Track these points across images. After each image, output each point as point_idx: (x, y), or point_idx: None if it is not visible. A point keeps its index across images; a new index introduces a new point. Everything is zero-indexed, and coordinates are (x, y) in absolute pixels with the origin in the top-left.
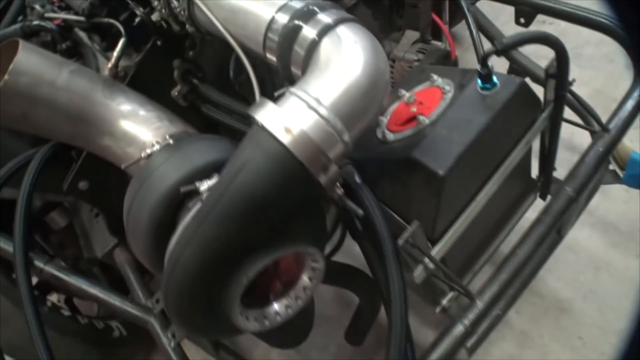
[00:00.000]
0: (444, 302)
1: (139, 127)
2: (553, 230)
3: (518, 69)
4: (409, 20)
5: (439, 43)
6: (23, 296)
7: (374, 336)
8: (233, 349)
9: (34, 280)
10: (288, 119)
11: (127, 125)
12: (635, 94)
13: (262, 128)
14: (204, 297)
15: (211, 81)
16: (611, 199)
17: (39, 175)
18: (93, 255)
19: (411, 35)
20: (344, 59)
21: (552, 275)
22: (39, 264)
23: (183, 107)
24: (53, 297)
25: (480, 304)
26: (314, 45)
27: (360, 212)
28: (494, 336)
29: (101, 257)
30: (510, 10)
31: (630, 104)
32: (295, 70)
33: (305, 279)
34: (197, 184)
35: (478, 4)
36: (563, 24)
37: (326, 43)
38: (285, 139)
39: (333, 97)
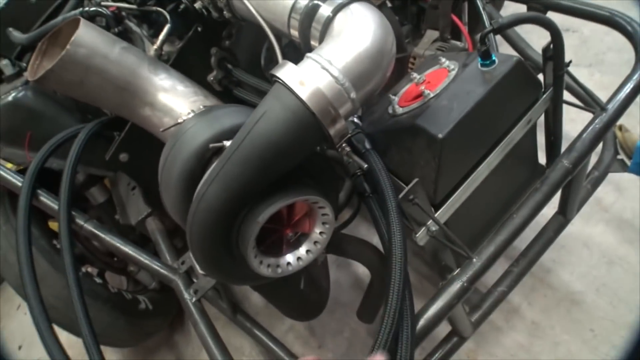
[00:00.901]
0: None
1: (177, 99)
2: (548, 200)
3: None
4: (429, 21)
5: (458, 42)
6: (64, 250)
7: None
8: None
9: None
10: (303, 75)
11: (167, 98)
12: (635, 77)
13: (281, 83)
14: (224, 235)
15: (244, 69)
16: (627, 197)
17: (84, 147)
18: (128, 223)
19: (431, 34)
20: (355, 30)
21: (565, 269)
22: (79, 221)
23: (218, 92)
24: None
25: (477, 262)
26: (329, 21)
27: (364, 165)
28: (505, 326)
29: (135, 224)
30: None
31: (629, 86)
32: (314, 44)
33: (316, 232)
34: (225, 142)
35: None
36: (586, 32)
37: (340, 17)
38: (301, 91)
39: (343, 61)
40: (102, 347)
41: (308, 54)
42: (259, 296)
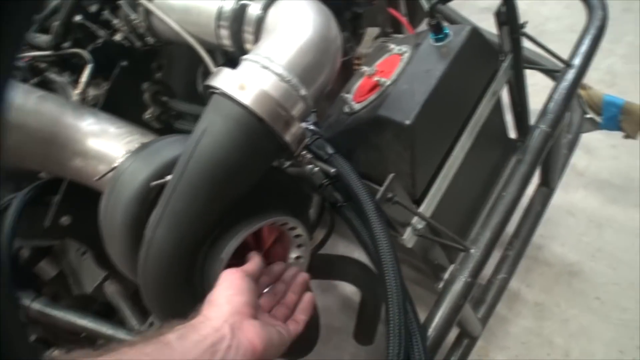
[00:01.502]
0: (446, 275)
1: (110, 143)
2: (535, 169)
3: None
4: (367, 18)
5: (400, 35)
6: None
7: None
8: None
9: None
10: (242, 79)
11: (98, 144)
12: (592, 30)
13: (218, 92)
14: (183, 279)
15: (183, 98)
16: (599, 158)
17: (19, 218)
18: (84, 292)
19: (372, 31)
20: (291, 20)
21: (556, 241)
22: (25, 301)
23: (158, 130)
24: None
25: (476, 252)
26: (261, 19)
27: (331, 170)
28: (509, 315)
29: (91, 292)
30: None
31: (588, 37)
32: (250, 47)
33: (292, 257)
34: (168, 177)
35: None
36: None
37: (272, 12)
38: (242, 96)
39: (285, 55)
40: None
41: (243, 57)
42: None
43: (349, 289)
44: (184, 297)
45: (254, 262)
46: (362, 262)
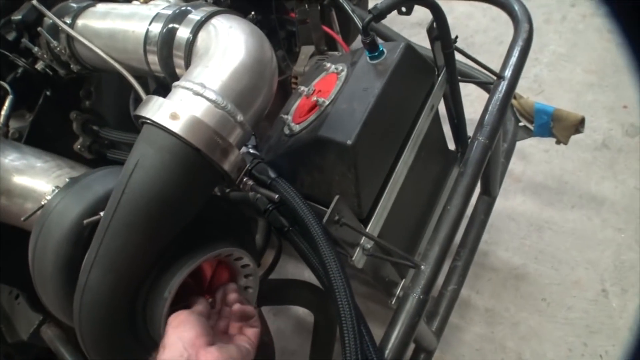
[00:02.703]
0: (398, 291)
1: (36, 179)
2: (477, 181)
3: None
4: (301, 37)
5: (335, 52)
6: None
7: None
8: None
9: None
10: (174, 107)
11: (23, 180)
12: (519, 41)
13: (149, 122)
14: (124, 323)
15: (115, 127)
16: (533, 163)
17: None
18: (18, 339)
19: (307, 50)
20: (223, 44)
21: (499, 247)
22: None
23: (90, 161)
24: None
25: (426, 268)
26: (191, 43)
27: (275, 196)
28: (462, 323)
29: (27, 339)
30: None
31: (517, 49)
32: (181, 73)
33: (240, 286)
34: (102, 213)
35: None
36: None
37: (202, 36)
38: (174, 126)
39: (219, 80)
40: None
41: (175, 83)
42: None
43: (302, 311)
44: (126, 342)
45: (201, 304)
46: (312, 285)
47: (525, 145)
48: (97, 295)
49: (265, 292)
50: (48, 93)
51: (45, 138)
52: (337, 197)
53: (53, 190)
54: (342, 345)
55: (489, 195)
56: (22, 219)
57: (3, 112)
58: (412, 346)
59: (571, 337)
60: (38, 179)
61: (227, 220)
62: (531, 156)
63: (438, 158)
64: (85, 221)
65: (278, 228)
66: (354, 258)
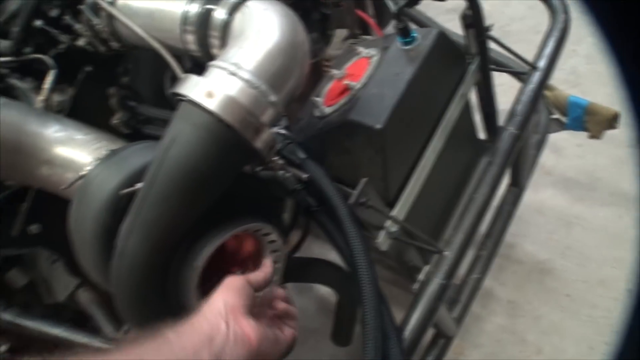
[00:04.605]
0: (421, 276)
1: (77, 150)
2: (505, 171)
3: None
4: (335, 20)
5: (368, 37)
6: None
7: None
8: None
9: None
10: (210, 86)
11: (64, 151)
12: (555, 31)
13: (186, 100)
14: (156, 288)
15: (150, 103)
16: (566, 157)
17: None
18: (56, 301)
19: (340, 33)
20: (258, 25)
21: (526, 240)
22: None
23: (127, 136)
24: None
25: (449, 254)
26: (227, 24)
27: (304, 176)
28: (483, 313)
29: (64, 301)
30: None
31: (552, 40)
32: (217, 53)
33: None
34: (138, 185)
35: None
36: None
37: (238, 17)
38: (210, 104)
39: (253, 61)
40: None
41: (211, 63)
42: None
43: (325, 290)
44: (158, 306)
45: (263, 272)
46: (337, 265)
47: (558, 139)
48: (135, 260)
49: (290, 269)
50: (88, 69)
51: (84, 112)
52: (364, 179)
53: (93, 162)
54: (363, 323)
55: (518, 186)
56: (63, 187)
57: (46, 86)
58: (432, 331)
59: (593, 336)
60: (78, 150)
61: (256, 197)
62: (563, 150)
63: (467, 147)
64: (121, 192)
65: (305, 207)
66: (378, 240)
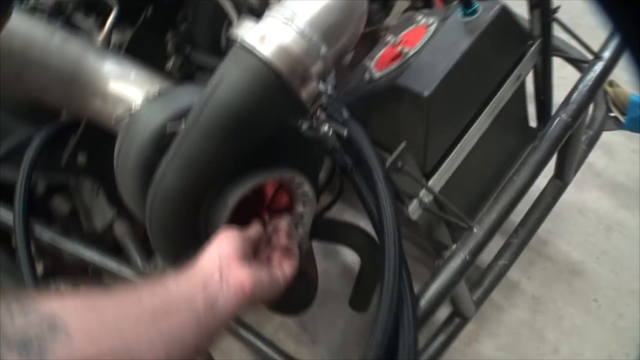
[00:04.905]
0: (447, 253)
1: (130, 87)
2: (550, 157)
3: None
4: None
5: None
6: (22, 263)
7: None
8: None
9: None
10: (264, 32)
11: (118, 87)
12: None
13: (238, 43)
14: (189, 222)
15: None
16: (618, 161)
17: (40, 152)
18: (93, 230)
19: (401, 4)
20: None
21: (562, 238)
22: (37, 230)
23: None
24: None
25: (479, 232)
26: None
27: (344, 132)
28: (505, 304)
29: (101, 230)
30: None
31: None
32: (274, 3)
33: (296, 214)
34: (184, 122)
35: None
36: None
37: None
38: (261, 48)
39: (309, 13)
40: None
41: (267, 11)
42: None
43: (351, 258)
44: (188, 239)
45: (253, 229)
46: (366, 231)
47: (613, 141)
48: (170, 191)
49: (319, 227)
50: (149, 12)
51: (141, 54)
52: (404, 144)
53: (143, 99)
54: (381, 282)
55: (562, 180)
56: (113, 121)
57: (107, 25)
58: (449, 310)
59: (614, 345)
60: (131, 87)
61: (296, 150)
62: (617, 154)
63: (515, 133)
64: (168, 123)
65: (342, 167)
66: (410, 208)
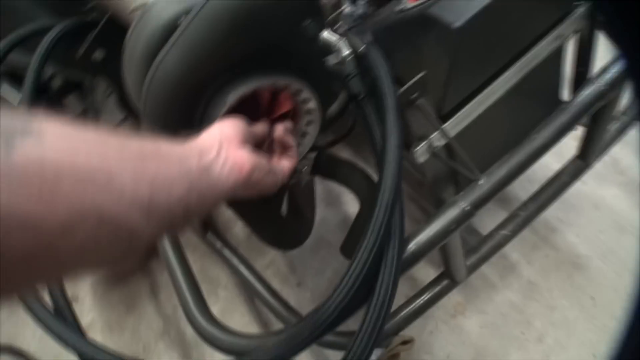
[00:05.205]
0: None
1: None
2: (575, 122)
3: None
4: None
5: None
6: None
7: None
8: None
9: None
10: None
11: None
12: None
13: None
14: (185, 111)
15: None
16: None
17: (57, 42)
18: None
19: None
20: None
21: (571, 230)
22: None
23: None
24: None
25: (485, 183)
26: None
27: (361, 46)
28: (499, 284)
29: None
30: None
31: None
32: None
33: (301, 128)
34: None
35: None
36: None
37: None
38: None
39: None
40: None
41: None
42: (240, 228)
43: (352, 210)
44: (182, 129)
45: (259, 127)
46: (371, 176)
47: None
48: (168, 75)
49: (321, 163)
50: None
51: None
52: (423, 72)
53: None
54: (369, 216)
55: (584, 160)
56: (129, 11)
57: None
58: (439, 270)
59: (601, 345)
60: None
61: (307, 61)
62: None
63: (544, 102)
64: (182, 17)
65: (354, 94)
66: (417, 150)
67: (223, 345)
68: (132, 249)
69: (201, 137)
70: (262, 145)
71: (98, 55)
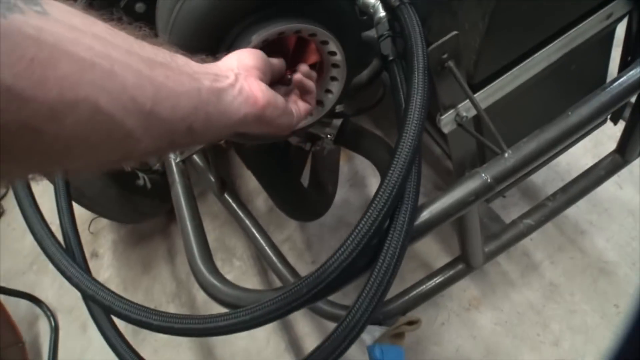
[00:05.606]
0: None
1: None
2: (616, 105)
3: None
4: None
5: None
6: None
7: None
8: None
9: None
10: None
11: None
12: None
13: None
14: (206, 45)
15: None
16: None
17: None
18: None
19: None
20: None
21: (602, 234)
22: None
23: None
24: None
25: (510, 157)
26: None
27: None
28: (519, 281)
29: None
30: None
31: None
32: None
33: (325, 83)
34: None
35: None
36: None
37: None
38: None
39: None
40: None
41: None
42: (262, 200)
43: None
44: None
45: (278, 61)
46: (391, 147)
47: None
48: (194, 8)
49: (346, 131)
50: None
51: None
52: (454, 33)
53: None
54: (384, 174)
55: (622, 155)
56: None
57: None
58: (455, 255)
59: None
60: None
61: (338, 14)
62: None
63: (588, 88)
64: None
65: (384, 56)
66: (442, 118)
67: (220, 295)
68: (128, 154)
69: (219, 62)
70: (282, 83)
71: (139, 8)
